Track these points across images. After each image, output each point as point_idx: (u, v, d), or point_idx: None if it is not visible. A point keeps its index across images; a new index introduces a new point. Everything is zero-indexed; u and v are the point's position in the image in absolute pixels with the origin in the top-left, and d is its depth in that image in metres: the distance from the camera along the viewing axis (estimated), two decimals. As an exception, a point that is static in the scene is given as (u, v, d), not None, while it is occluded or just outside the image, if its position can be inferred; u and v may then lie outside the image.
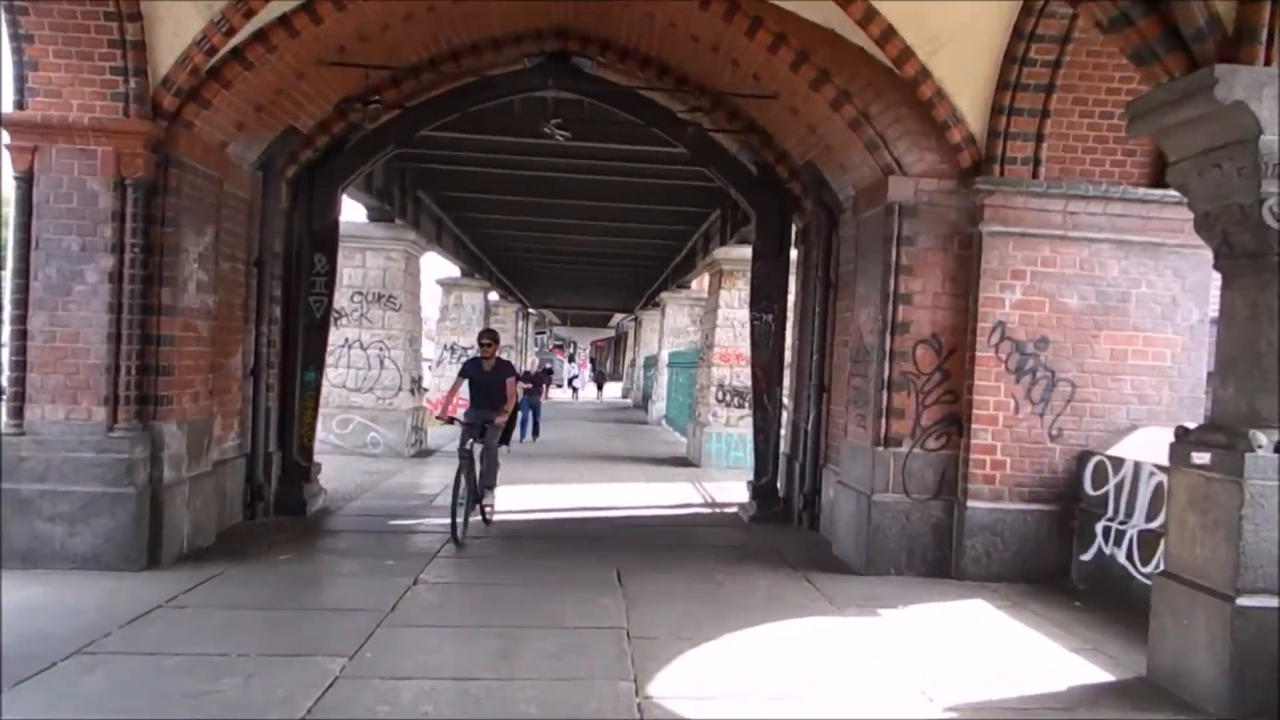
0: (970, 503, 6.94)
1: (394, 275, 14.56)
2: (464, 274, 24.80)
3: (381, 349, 14.43)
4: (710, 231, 17.66)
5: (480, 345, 9.16)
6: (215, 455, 7.87)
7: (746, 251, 15.06)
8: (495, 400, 8.55)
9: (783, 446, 9.78)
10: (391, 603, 5.81)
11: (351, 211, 14.75)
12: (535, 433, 17.75)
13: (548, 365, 37.57)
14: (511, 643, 5.07)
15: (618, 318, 53.73)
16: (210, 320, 7.45)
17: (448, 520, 8.83)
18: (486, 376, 8.72)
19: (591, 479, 12.62)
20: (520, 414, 16.49)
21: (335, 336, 14.15)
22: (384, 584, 6.32)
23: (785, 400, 9.95)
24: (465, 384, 8.97)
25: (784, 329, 9.78)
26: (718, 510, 10.28)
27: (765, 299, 9.71)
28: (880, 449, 7.10)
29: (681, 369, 21.25)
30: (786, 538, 8.57)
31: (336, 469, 12.55)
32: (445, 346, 24.79)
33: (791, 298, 10.01)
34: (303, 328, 9.24)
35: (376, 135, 9.39)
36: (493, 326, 35.40)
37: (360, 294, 14.47)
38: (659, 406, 25.44)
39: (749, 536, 8.74)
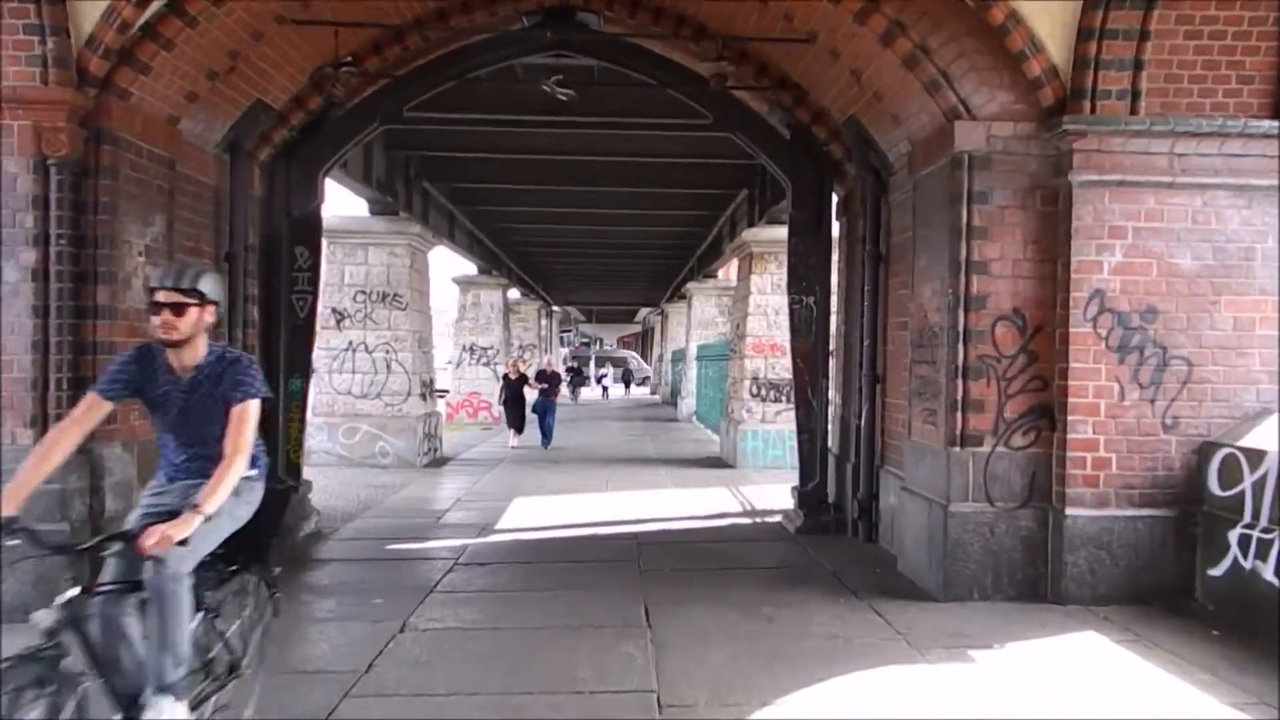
0: (1069, 510, 5.74)
1: (399, 272, 13.56)
2: (481, 271, 23.83)
3: (388, 351, 13.43)
4: (737, 214, 16.50)
5: None
6: (181, 478, 6.87)
7: (778, 232, 13.92)
8: None
9: (830, 445, 8.61)
10: (368, 659, 4.74)
11: (353, 205, 13.83)
12: (547, 437, 16.57)
13: (573, 365, 36.25)
14: None
15: (643, 312, 52.67)
16: (165, 323, 6.42)
17: (454, 541, 7.88)
18: None
19: (617, 486, 11.52)
20: (544, 418, 15.89)
21: (338, 340, 13.23)
22: (365, 632, 5.27)
23: (831, 394, 8.77)
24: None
25: (828, 313, 8.60)
26: (759, 520, 9.12)
27: (804, 280, 8.54)
28: (956, 449, 5.91)
29: (711, 362, 20.10)
30: (841, 553, 7.42)
31: (340, 483, 11.59)
32: (464, 347, 23.85)
33: (834, 278, 8.83)
34: (285, 330, 8.22)
35: (360, 110, 8.35)
36: (513, 325, 34.75)
37: (363, 293, 13.49)
38: (688, 402, 24.31)
39: (797, 553, 7.59)
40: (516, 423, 16.47)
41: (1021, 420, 5.90)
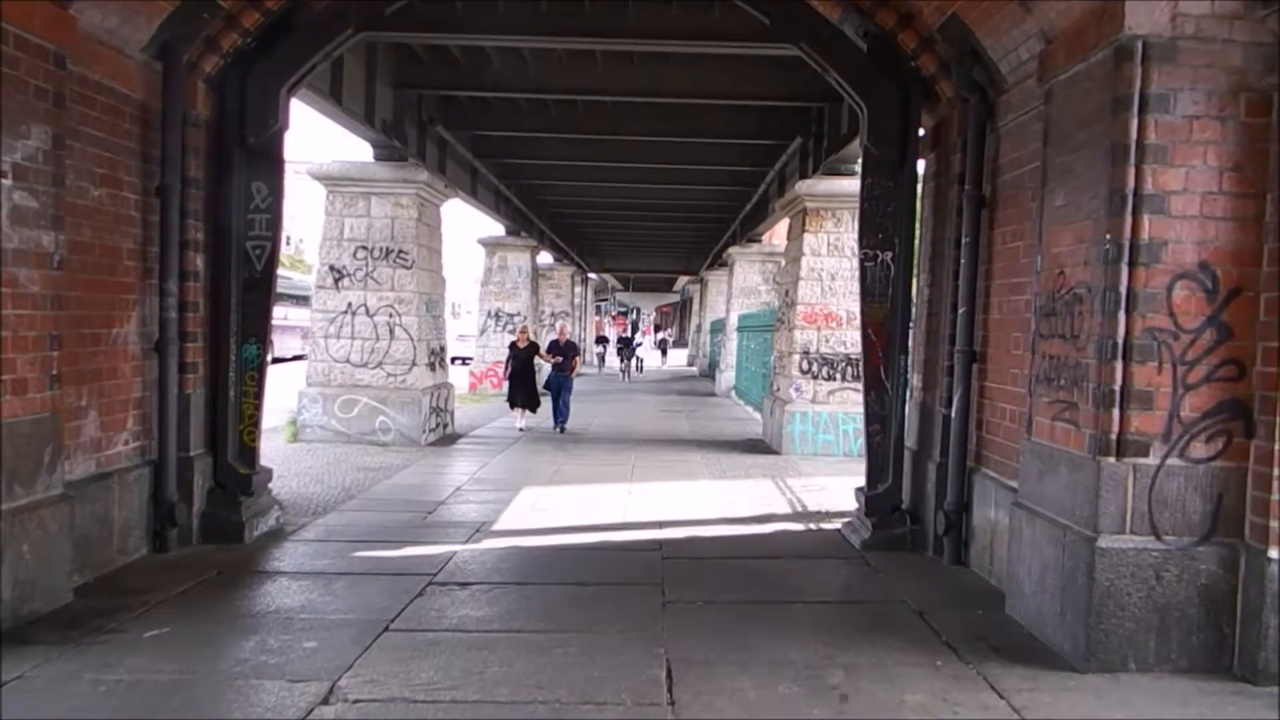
0: (1273, 551, 4.03)
1: (404, 225, 12.00)
2: (509, 232, 22.28)
3: (391, 315, 11.93)
4: (788, 169, 14.69)
5: None
6: (83, 469, 5.42)
7: (837, 185, 12.12)
8: None
9: (907, 440, 6.91)
10: (256, 759, 3.23)
11: (356, 150, 12.28)
12: (561, 418, 13.97)
13: (625, 335, 34.31)
14: None
15: (682, 281, 50.86)
16: (52, 270, 4.92)
17: (438, 549, 6.38)
18: None
19: (643, 474, 9.93)
20: (558, 396, 14.04)
21: (336, 301, 11.79)
22: (271, 704, 3.76)
23: (910, 375, 7.07)
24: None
25: (909, 274, 6.88)
26: (814, 527, 7.47)
27: (881, 231, 6.81)
28: (1109, 460, 4.21)
29: (753, 333, 18.38)
30: (924, 581, 5.77)
31: (328, 463, 10.18)
32: (489, 313, 22.40)
33: (919, 230, 7.10)
34: (237, 285, 6.71)
35: (331, 10, 6.77)
36: (544, 291, 33.20)
37: (364, 249, 11.97)
38: (727, 376, 22.63)
39: (867, 578, 5.95)
40: (526, 400, 13.99)
41: (1206, 421, 4.18)
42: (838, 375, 11.91)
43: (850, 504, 7.74)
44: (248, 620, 4.88)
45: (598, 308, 61.15)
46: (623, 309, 64.68)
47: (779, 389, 12.75)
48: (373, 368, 11.91)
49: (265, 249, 6.78)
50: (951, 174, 6.48)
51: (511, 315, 22.30)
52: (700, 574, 5.90)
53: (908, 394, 6.90)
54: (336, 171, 11.88)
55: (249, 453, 6.82)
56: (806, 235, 12.09)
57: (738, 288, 22.43)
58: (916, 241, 7.07)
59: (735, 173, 17.33)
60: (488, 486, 9.16)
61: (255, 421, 6.84)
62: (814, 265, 12.03)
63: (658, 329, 63.71)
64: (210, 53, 6.37)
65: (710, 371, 28.48)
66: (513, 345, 14.55)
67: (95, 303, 5.51)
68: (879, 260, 6.81)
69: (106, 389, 5.66)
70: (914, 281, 6.97)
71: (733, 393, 21.72)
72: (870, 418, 6.85)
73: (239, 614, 4.99)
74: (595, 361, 34.97)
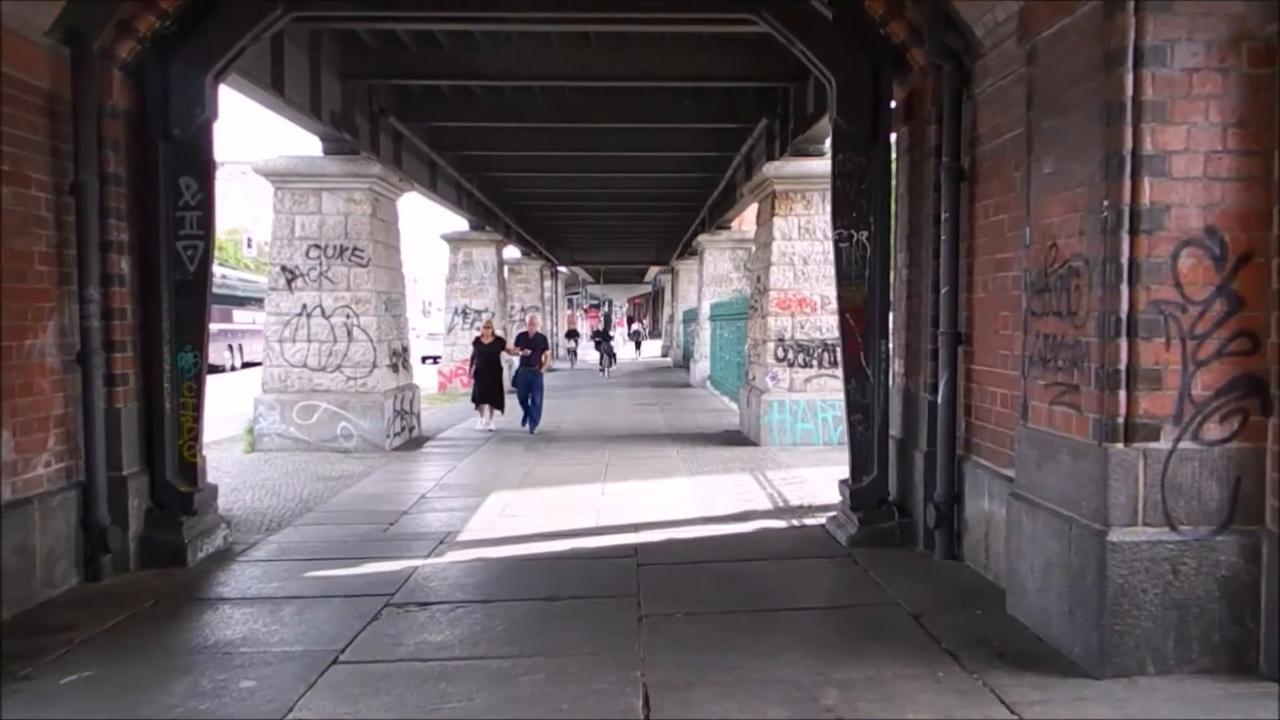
0: (1297, 538, 3.71)
1: (358, 222, 11.48)
2: (473, 227, 21.76)
3: (349, 316, 11.42)
4: (755, 152, 14.31)
5: None
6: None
7: (808, 166, 11.77)
8: None
9: (892, 429, 6.57)
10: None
11: (308, 145, 11.73)
12: (532, 418, 13.23)
13: (599, 329, 33.82)
14: None
15: (653, 271, 50.52)
16: (-54, 278, 4.42)
17: (398, 564, 5.97)
18: None
19: (617, 473, 9.53)
20: (528, 394, 13.38)
21: (290, 303, 11.27)
22: (195, 758, 3.33)
23: (892, 360, 6.72)
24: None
25: (887, 253, 6.52)
26: (796, 524, 7.11)
27: (855, 209, 6.45)
28: (1116, 446, 3.86)
29: (727, 322, 18.04)
30: (917, 579, 5.43)
31: (285, 474, 9.68)
32: (456, 310, 21.89)
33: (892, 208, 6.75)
34: (169, 289, 6.22)
35: (256, -10, 6.28)
36: (513, 286, 32.61)
37: (318, 247, 11.44)
38: (702, 366, 22.30)
39: (856, 579, 5.59)
40: (492, 397, 13.43)
41: (1219, 400, 3.85)
42: (814, 362, 11.58)
43: (834, 496, 7.40)
44: (182, 658, 4.42)
45: (570, 301, 60.64)
46: (595, 302, 64.23)
47: (755, 378, 12.40)
48: (331, 371, 11.41)
49: (198, 249, 6.29)
50: (927, 147, 6.13)
51: (479, 312, 21.76)
52: (678, 582, 5.51)
53: (890, 380, 6.55)
54: (284, 167, 11.34)
55: (190, 469, 6.34)
56: (776, 219, 11.73)
57: (709, 276, 22.08)
58: (893, 220, 6.71)
59: (702, 159, 16.95)
60: (454, 492, 8.73)
61: (195, 435, 6.35)
62: (785, 250, 11.68)
63: (631, 320, 63.25)
64: (125, 37, 5.86)
65: (684, 362, 28.14)
66: (477, 341, 13.88)
67: (4, 313, 5.01)
68: (854, 240, 6.45)
69: (21, 407, 5.16)
70: (892, 262, 6.61)
71: (708, 383, 21.39)
72: (852, 406, 6.50)
73: (173, 650, 4.53)
74: (567, 357, 34.37)
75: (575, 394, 20.48)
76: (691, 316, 26.20)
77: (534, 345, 13.92)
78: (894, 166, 6.70)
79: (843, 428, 11.76)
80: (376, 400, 11.37)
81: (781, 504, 7.83)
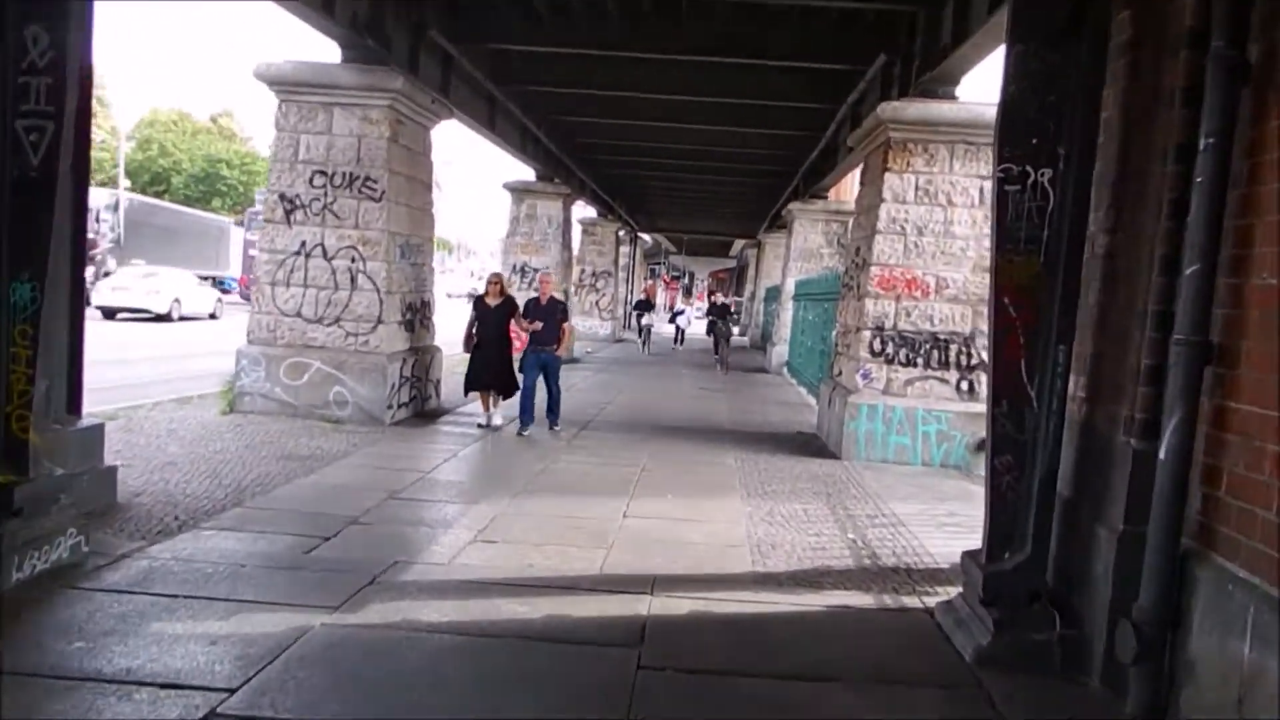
0: None
1: (372, 146, 9.50)
2: (539, 177, 19.77)
3: (354, 259, 9.49)
4: (865, 102, 11.76)
5: None
6: None
7: (935, 110, 9.14)
8: None
9: (1060, 485, 4.21)
10: None
11: (320, 49, 9.80)
12: (551, 409, 9.86)
13: (642, 299, 27.82)
14: None
15: (738, 245, 47.92)
16: None
17: (291, 617, 4.01)
18: None
19: (649, 487, 7.34)
20: (543, 379, 9.74)
21: (287, 238, 9.42)
22: None
23: (1071, 379, 4.34)
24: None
25: (1085, 207, 4.14)
26: (891, 605, 4.80)
27: (1036, 134, 4.08)
28: None
29: (813, 302, 15.61)
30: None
31: (248, 446, 7.89)
32: (514, 268, 19.95)
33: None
34: (6, 189, 4.30)
35: None
36: (586, 247, 30.50)
37: (323, 174, 9.51)
38: (779, 351, 19.90)
39: (996, 741, 3.34)
40: (496, 380, 9.66)
41: None
42: (920, 360, 9.16)
43: (941, 551, 5.15)
44: None
45: (651, 270, 58.45)
46: (676, 273, 61.96)
47: (841, 373, 10.04)
48: (329, 324, 9.51)
49: (46, 132, 4.33)
50: (1170, 34, 3.71)
51: (538, 270, 19.81)
52: (698, 707, 3.34)
53: (1066, 410, 4.18)
54: (289, 74, 9.41)
55: (17, 450, 4.44)
56: (889, 176, 9.27)
57: (796, 249, 19.61)
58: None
59: (800, 111, 14.45)
60: (434, 493, 6.73)
61: (28, 400, 4.45)
62: (896, 215, 9.23)
63: (712, 294, 60.58)
64: None
65: (762, 344, 25.74)
66: (479, 301, 9.79)
67: None
68: (1031, 183, 4.09)
69: None
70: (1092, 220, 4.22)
71: (785, 369, 19.01)
72: (999, 442, 4.16)
73: None
74: (637, 332, 30.43)
75: (631, 370, 18.37)
76: (774, 294, 23.72)
77: (546, 316, 9.70)
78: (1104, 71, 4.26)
79: (948, 446, 9.42)
80: (378, 362, 9.44)
81: (869, 561, 5.54)
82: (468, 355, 9.78)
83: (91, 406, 6.10)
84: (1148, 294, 3.70)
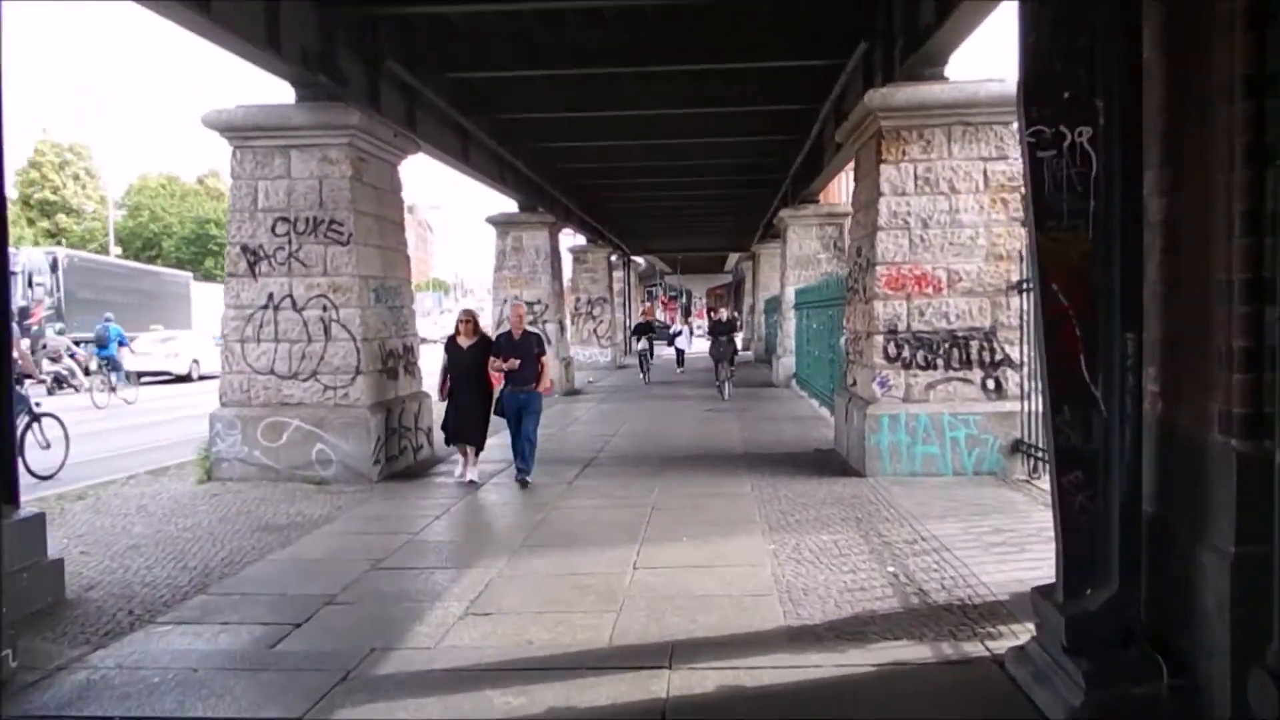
0: None
1: (336, 187, 8.92)
2: (522, 208, 19.21)
3: (325, 307, 8.89)
4: (847, 98, 11.20)
5: None
6: None
7: (926, 92, 8.47)
8: None
9: (1145, 501, 3.54)
10: None
11: (273, 91, 9.26)
12: (522, 460, 8.51)
13: (644, 322, 25.09)
14: None
15: (733, 259, 47.40)
16: None
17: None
18: None
19: (661, 529, 6.64)
20: (517, 423, 8.51)
21: (253, 292, 8.86)
22: None
23: (1146, 372, 3.68)
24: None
25: (1137, 166, 3.50)
26: (952, 656, 4.10)
27: (1068, 86, 3.45)
28: None
29: (815, 310, 14.98)
30: None
31: (223, 518, 7.29)
32: (505, 302, 19.29)
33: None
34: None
35: None
36: (580, 276, 29.93)
37: (286, 220, 8.93)
38: (786, 362, 19.24)
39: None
40: (471, 433, 8.57)
41: None
42: (939, 361, 8.50)
43: (997, 579, 4.50)
44: None
45: (649, 293, 57.92)
46: (674, 293, 61.42)
47: (856, 383, 9.38)
48: (304, 379, 8.89)
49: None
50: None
51: (531, 304, 19.20)
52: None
53: (1144, 409, 3.52)
54: (240, 119, 8.84)
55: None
56: (884, 168, 8.67)
57: (792, 257, 19.00)
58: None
59: (782, 115, 13.98)
60: (423, 558, 6.07)
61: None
62: (897, 209, 8.61)
63: (711, 311, 59.99)
64: None
65: (766, 356, 25.08)
66: (450, 342, 8.68)
67: None
68: (1066, 145, 3.45)
69: None
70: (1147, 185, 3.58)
71: (793, 382, 18.34)
72: (1065, 456, 3.49)
73: None
74: (635, 360, 27.61)
75: (634, 397, 17.71)
76: (774, 305, 23.10)
77: (522, 351, 8.42)
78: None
79: (979, 451, 8.69)
80: (360, 416, 8.80)
81: (916, 599, 4.85)
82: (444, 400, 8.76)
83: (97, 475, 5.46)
84: (1229, 260, 3.07)
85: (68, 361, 20.66)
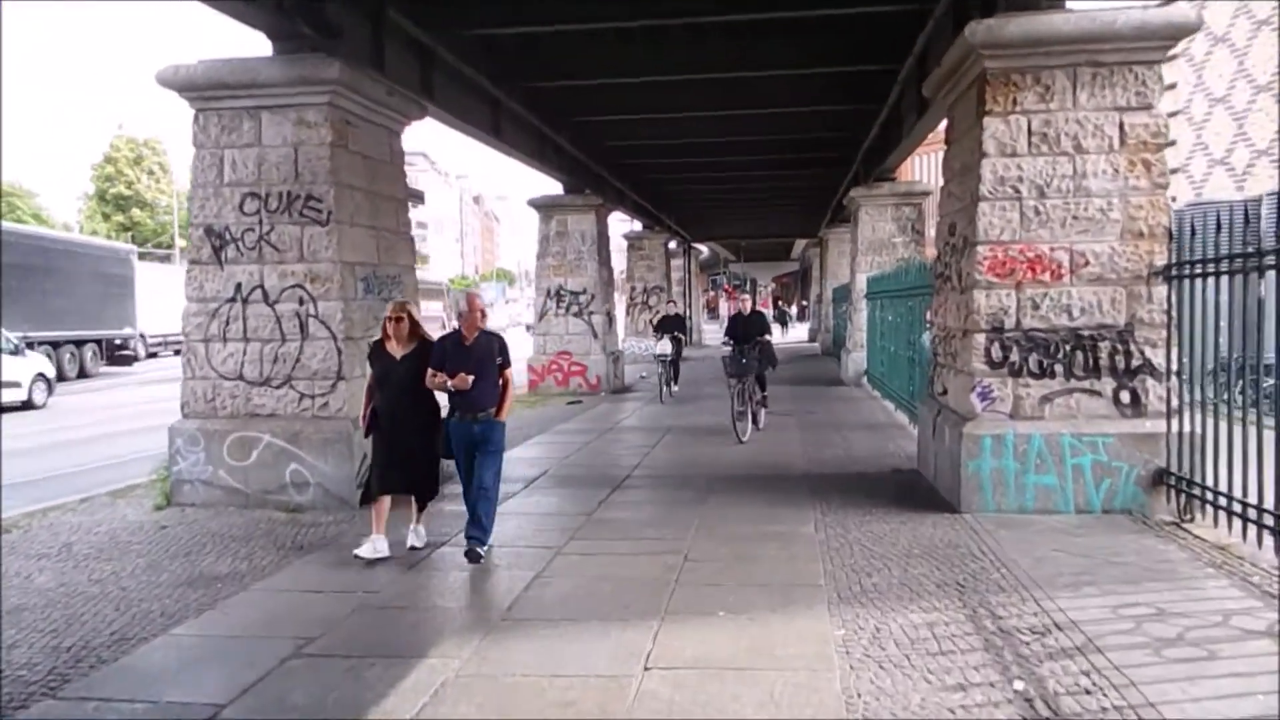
0: None
1: (311, 155, 7.45)
2: (567, 190, 17.65)
3: (301, 300, 7.45)
4: (928, 59, 9.29)
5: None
6: None
7: (1046, 23, 6.26)
8: None
9: None
10: None
11: (244, 44, 7.76)
12: (478, 520, 5.76)
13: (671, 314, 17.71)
14: None
15: (800, 246, 45.25)
16: None
17: None
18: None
19: (690, 596, 4.93)
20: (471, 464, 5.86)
21: (218, 282, 7.51)
22: None
23: None
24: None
25: None
26: None
27: None
28: None
29: (890, 300, 13.07)
30: None
31: (151, 563, 6.00)
32: (548, 292, 17.88)
33: None
34: None
35: None
36: (637, 263, 28.25)
37: (255, 196, 7.50)
38: (856, 358, 17.34)
39: None
40: (405, 477, 5.96)
41: None
42: (1058, 367, 6.64)
43: (1190, 708, 2.73)
44: None
45: (712, 281, 56.05)
46: (737, 281, 59.50)
47: (946, 391, 7.57)
48: (278, 386, 7.48)
49: None
50: None
51: (576, 294, 17.73)
52: None
53: None
54: (201, 76, 7.42)
55: None
56: (989, 121, 6.81)
57: (865, 241, 17.09)
58: None
59: (853, 77, 12.09)
60: (367, 636, 4.53)
61: None
62: (1005, 173, 6.76)
63: (777, 301, 57.90)
64: None
65: (834, 350, 23.15)
66: (376, 349, 6.05)
67: None
68: None
69: None
70: None
71: (864, 380, 16.45)
72: None
73: None
74: (658, 369, 20.37)
75: (683, 397, 15.99)
76: (843, 294, 21.13)
77: (476, 363, 5.72)
78: None
79: (1111, 483, 6.71)
80: (342, 430, 7.34)
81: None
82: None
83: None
84: None
85: None
